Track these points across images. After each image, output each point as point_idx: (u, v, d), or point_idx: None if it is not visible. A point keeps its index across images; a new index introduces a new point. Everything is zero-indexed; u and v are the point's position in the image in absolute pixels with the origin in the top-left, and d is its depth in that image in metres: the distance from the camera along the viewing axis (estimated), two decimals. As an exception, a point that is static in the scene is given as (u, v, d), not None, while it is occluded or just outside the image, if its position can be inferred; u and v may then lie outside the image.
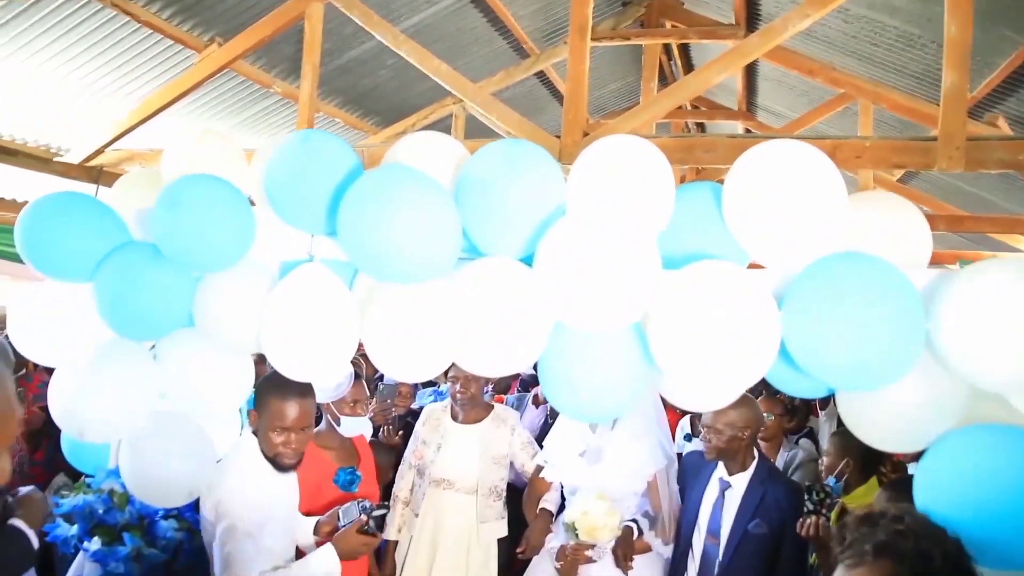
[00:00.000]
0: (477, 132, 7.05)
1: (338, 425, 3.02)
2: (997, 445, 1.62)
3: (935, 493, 1.66)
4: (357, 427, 3.07)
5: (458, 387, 3.43)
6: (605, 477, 3.07)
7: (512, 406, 4.75)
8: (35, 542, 2.20)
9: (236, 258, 2.20)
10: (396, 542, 3.46)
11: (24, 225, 2.30)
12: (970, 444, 1.64)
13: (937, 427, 1.72)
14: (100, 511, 2.46)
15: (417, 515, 3.42)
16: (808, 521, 2.61)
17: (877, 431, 1.78)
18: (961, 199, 7.16)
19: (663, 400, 3.22)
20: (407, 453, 3.59)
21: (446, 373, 3.53)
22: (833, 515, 3.05)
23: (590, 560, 3.00)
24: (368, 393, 3.15)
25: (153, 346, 2.48)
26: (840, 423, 3.43)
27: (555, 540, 3.14)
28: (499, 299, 1.80)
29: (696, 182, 2.01)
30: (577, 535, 2.92)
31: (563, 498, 3.29)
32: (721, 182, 1.89)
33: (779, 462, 3.89)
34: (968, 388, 1.72)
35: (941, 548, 1.41)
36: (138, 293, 2.23)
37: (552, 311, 1.80)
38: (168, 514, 2.54)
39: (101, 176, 5.35)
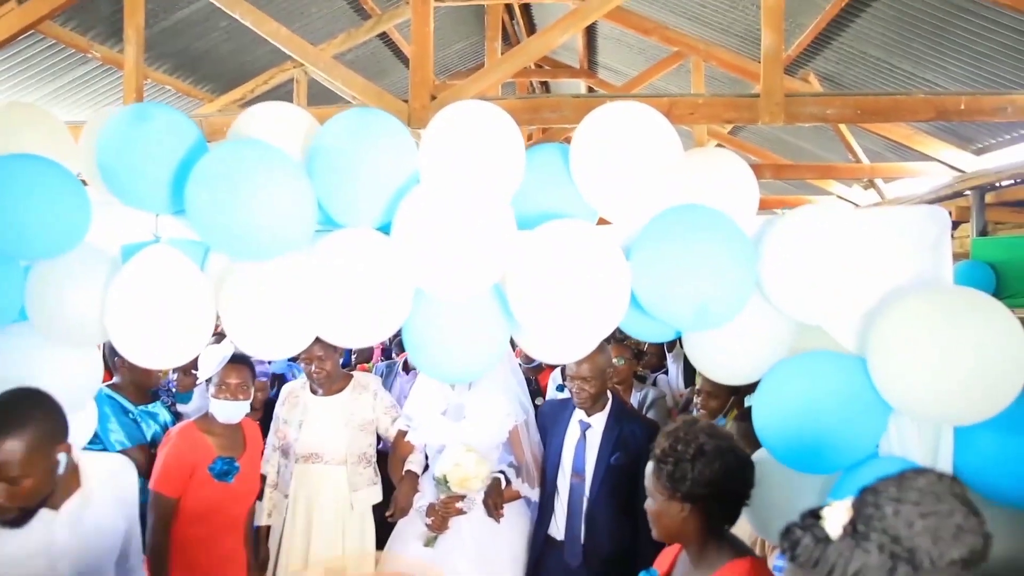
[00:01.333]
0: (321, 97, 6.83)
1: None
2: (815, 369, 1.86)
3: (769, 414, 1.88)
4: (229, 412, 3.01)
5: (313, 367, 3.37)
6: (469, 433, 3.16)
7: (381, 374, 4.76)
8: None
9: (71, 244, 2.05)
10: (268, 527, 3.40)
11: None
12: (795, 370, 1.86)
13: (767, 359, 1.93)
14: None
15: (287, 496, 3.37)
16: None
17: (719, 367, 1.97)
18: (783, 149, 7.82)
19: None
20: (270, 436, 3.50)
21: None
22: None
23: (460, 512, 3.09)
24: (251, 377, 3.06)
25: (-20, 344, 2.27)
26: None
27: (423, 499, 3.20)
28: (359, 269, 1.80)
29: (544, 144, 2.09)
30: (449, 488, 2.99)
31: (426, 459, 3.35)
32: (566, 141, 1.99)
33: (633, 402, 4.16)
34: (793, 323, 1.94)
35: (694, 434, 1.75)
36: (-44, 288, 2.04)
37: (413, 279, 1.82)
38: None
39: None
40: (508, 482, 3.21)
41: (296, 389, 3.52)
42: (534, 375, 5.04)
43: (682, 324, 1.80)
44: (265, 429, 3.68)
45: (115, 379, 3.48)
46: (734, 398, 3.43)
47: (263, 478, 3.35)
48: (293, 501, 3.34)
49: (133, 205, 2.02)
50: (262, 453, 3.29)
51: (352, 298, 1.82)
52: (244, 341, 2.00)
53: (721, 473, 1.70)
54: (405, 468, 3.31)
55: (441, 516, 3.07)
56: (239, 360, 3.04)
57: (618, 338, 4.44)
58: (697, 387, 3.44)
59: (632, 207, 1.92)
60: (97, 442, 3.33)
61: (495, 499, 3.11)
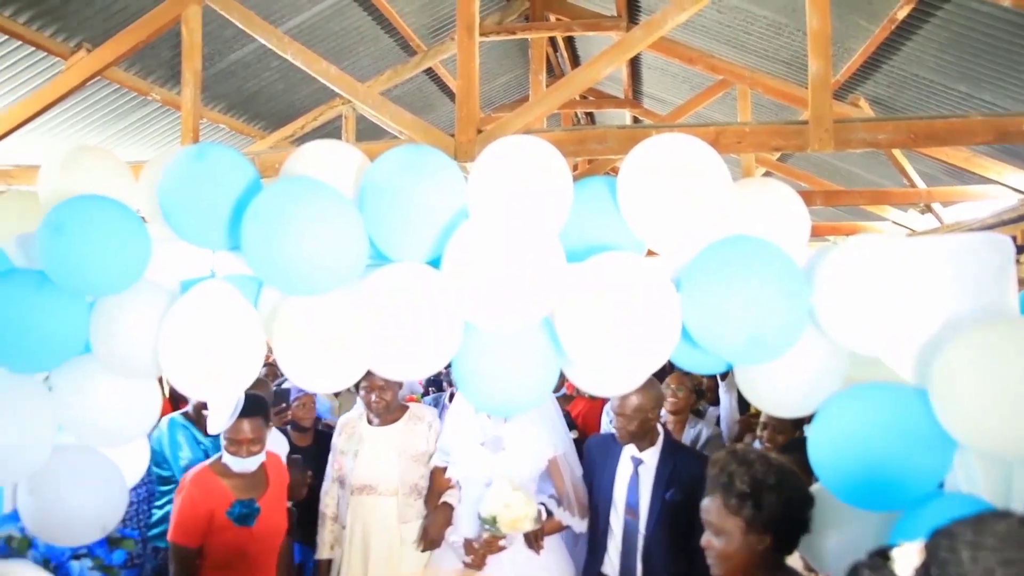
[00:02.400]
0: (369, 133, 6.99)
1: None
2: (874, 402, 1.80)
3: (825, 449, 1.83)
4: (242, 466, 2.96)
5: (374, 396, 3.39)
6: (508, 464, 3.13)
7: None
8: None
9: (131, 279, 2.12)
10: (329, 560, 3.41)
11: None
12: (852, 403, 1.81)
13: (823, 391, 1.88)
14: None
15: (345, 527, 3.38)
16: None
17: (772, 399, 1.92)
18: (834, 174, 7.68)
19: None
20: (328, 468, 3.53)
21: (357, 386, 3.48)
22: None
23: (501, 548, 3.05)
24: (265, 424, 3.02)
25: (47, 377, 2.35)
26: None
27: (455, 534, 3.16)
28: (410, 303, 1.82)
29: (591, 176, 2.09)
30: (498, 529, 2.95)
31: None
32: (612, 172, 1.98)
33: (684, 438, 4.07)
34: (848, 353, 1.89)
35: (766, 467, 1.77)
36: (26, 323, 2.11)
37: (462, 312, 1.83)
38: (77, 554, 2.42)
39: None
40: (549, 513, 3.17)
41: (353, 419, 3.55)
42: (563, 406, 4.95)
43: (734, 356, 1.77)
44: (317, 450, 3.70)
45: (188, 408, 3.57)
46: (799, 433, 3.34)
47: (291, 513, 3.31)
48: (350, 533, 3.33)
49: (191, 241, 2.08)
50: (289, 487, 3.26)
51: (402, 331, 1.84)
52: (296, 374, 2.03)
53: (796, 502, 1.74)
54: (441, 500, 3.29)
55: (482, 556, 3.03)
56: (251, 412, 2.96)
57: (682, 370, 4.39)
58: (763, 420, 3.35)
59: (681, 239, 1.91)
60: (166, 467, 3.41)
61: (536, 532, 3.06)
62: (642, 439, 3.06)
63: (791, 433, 3.28)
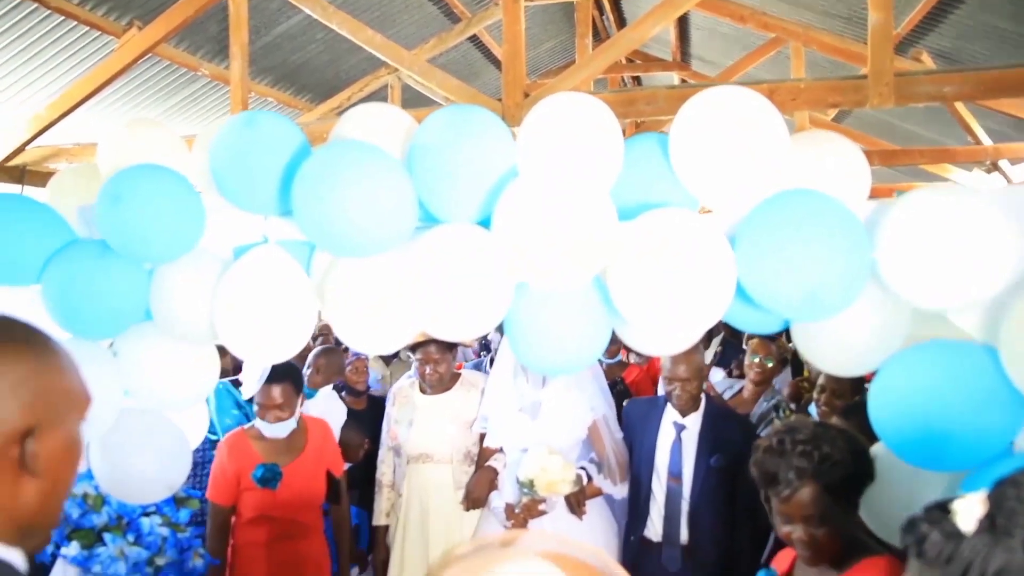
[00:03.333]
0: (415, 101, 6.97)
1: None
2: (940, 359, 1.74)
3: (888, 408, 1.77)
4: (273, 431, 3.01)
5: (428, 369, 3.42)
6: (547, 430, 3.12)
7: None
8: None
9: (188, 247, 2.17)
10: (386, 527, 3.48)
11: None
12: (916, 360, 1.75)
13: (885, 350, 1.82)
14: (75, 515, 2.42)
15: (401, 495, 3.43)
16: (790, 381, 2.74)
17: (832, 358, 1.87)
18: (893, 134, 7.40)
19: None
20: (383, 436, 3.58)
21: (413, 348, 3.50)
22: None
23: (543, 513, 3.05)
24: (280, 400, 3.02)
25: (112, 343, 2.43)
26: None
27: (499, 499, 3.17)
28: (460, 263, 1.82)
29: (642, 134, 2.04)
30: (535, 492, 2.95)
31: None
32: (663, 133, 1.94)
33: (757, 410, 3.97)
34: (911, 310, 1.82)
35: (845, 445, 1.67)
36: (89, 291, 2.18)
37: (513, 272, 1.82)
38: (147, 512, 2.52)
39: (25, 175, 5.16)
40: (589, 478, 3.16)
41: (405, 388, 3.58)
42: (619, 373, 4.91)
43: (791, 313, 1.72)
44: (371, 414, 3.76)
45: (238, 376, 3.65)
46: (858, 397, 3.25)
47: (329, 479, 3.32)
48: (407, 501, 3.38)
49: (243, 208, 2.11)
50: (332, 449, 3.29)
51: (453, 292, 1.83)
52: (349, 337, 2.05)
53: (864, 466, 1.71)
54: (486, 464, 3.30)
55: (523, 519, 3.04)
56: (280, 377, 2.99)
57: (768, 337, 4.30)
58: (820, 384, 3.26)
59: (736, 194, 1.85)
60: (212, 431, 3.51)
61: (577, 496, 3.05)
62: (696, 402, 3.02)
63: (849, 397, 3.19)
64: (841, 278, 1.64)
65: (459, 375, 3.57)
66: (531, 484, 2.92)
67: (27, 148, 5.08)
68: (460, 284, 1.82)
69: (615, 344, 4.97)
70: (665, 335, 1.94)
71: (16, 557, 0.91)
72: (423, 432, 3.39)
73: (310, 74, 6.56)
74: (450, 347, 3.46)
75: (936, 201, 1.65)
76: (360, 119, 2.09)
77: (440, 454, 3.36)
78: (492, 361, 4.68)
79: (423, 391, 3.50)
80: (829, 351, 1.86)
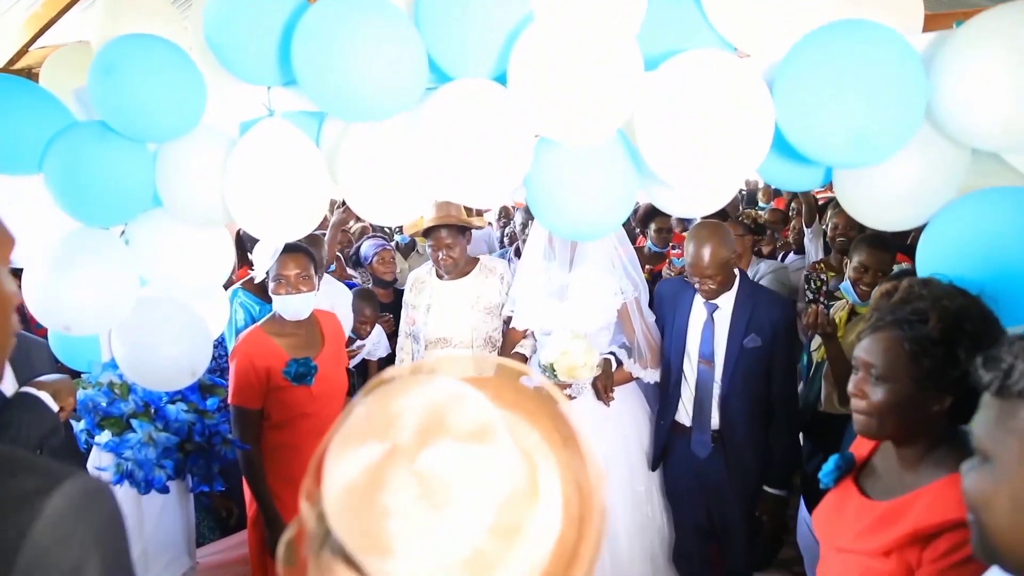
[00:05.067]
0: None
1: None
2: (1005, 206, 1.60)
3: (940, 264, 1.64)
4: (293, 307, 2.79)
5: (441, 254, 3.33)
6: (574, 314, 3.02)
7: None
8: (55, 407, 1.89)
9: (190, 122, 2.06)
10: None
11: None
12: (978, 208, 1.61)
13: (937, 199, 1.68)
14: (104, 404, 2.43)
15: None
16: (810, 310, 2.61)
17: (878, 210, 1.74)
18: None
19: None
20: (401, 323, 3.55)
21: (425, 234, 3.42)
22: (843, 315, 3.09)
23: (569, 398, 2.95)
24: (313, 265, 2.84)
25: (123, 232, 2.37)
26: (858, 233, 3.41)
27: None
28: (476, 120, 1.69)
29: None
30: (556, 376, 2.85)
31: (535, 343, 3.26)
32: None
33: None
34: (967, 156, 1.67)
35: (963, 305, 1.35)
36: (92, 175, 2.10)
37: (533, 125, 1.69)
38: (173, 399, 2.53)
39: (31, 79, 5.02)
40: (619, 363, 3.07)
41: (422, 274, 3.51)
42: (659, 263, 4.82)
43: (838, 159, 1.58)
44: (399, 305, 3.73)
45: (251, 276, 3.58)
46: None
47: (350, 373, 3.29)
48: None
49: (242, 75, 1.98)
50: (347, 344, 3.18)
51: (470, 152, 1.71)
52: (365, 207, 1.96)
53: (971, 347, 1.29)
54: (513, 351, 3.24)
55: None
56: (294, 248, 2.79)
57: (732, 216, 4.22)
58: (859, 263, 3.11)
59: (774, 35, 1.68)
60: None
61: (604, 382, 2.96)
62: (724, 289, 2.88)
63: (888, 267, 3.06)
64: (894, 116, 1.48)
65: (477, 260, 3.48)
66: (551, 369, 2.85)
67: (29, 50, 4.92)
68: (477, 143, 1.70)
69: (666, 231, 4.88)
70: (696, 190, 1.81)
71: None
72: (441, 317, 3.34)
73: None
74: (462, 231, 3.35)
75: (1001, 21, 1.47)
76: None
77: (458, 339, 3.31)
78: (517, 252, 4.61)
79: (440, 277, 3.42)
80: (876, 202, 1.72)
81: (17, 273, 2.38)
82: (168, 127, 2.04)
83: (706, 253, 2.76)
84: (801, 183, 1.87)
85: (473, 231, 3.58)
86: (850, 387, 1.43)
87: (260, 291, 3.43)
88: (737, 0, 1.66)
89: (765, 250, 5.64)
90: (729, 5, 1.68)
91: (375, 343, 3.86)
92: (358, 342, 3.67)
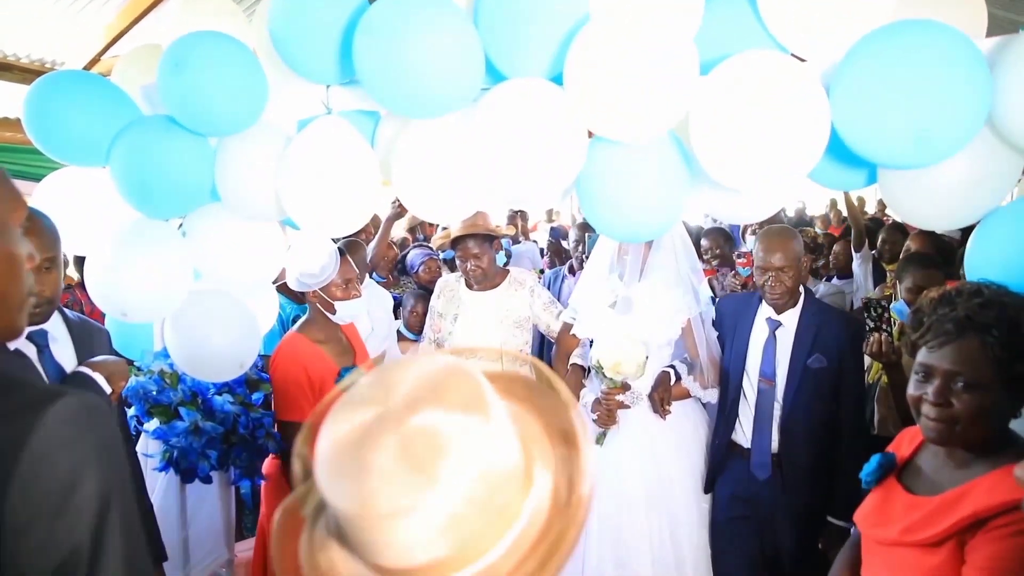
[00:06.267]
0: None
1: (332, 313, 2.72)
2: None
3: (989, 267, 1.60)
4: (352, 310, 2.77)
5: (469, 264, 3.30)
6: (638, 327, 2.93)
7: (548, 281, 4.71)
8: (107, 389, 1.92)
9: (251, 117, 2.12)
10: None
11: (28, 107, 2.22)
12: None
13: (987, 201, 1.65)
14: (154, 392, 2.49)
15: None
16: (872, 338, 2.53)
17: (923, 210, 1.70)
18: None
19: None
20: (426, 329, 3.53)
21: (453, 245, 3.41)
22: (895, 332, 3.00)
23: (623, 405, 2.89)
24: (356, 270, 2.82)
25: (181, 224, 2.45)
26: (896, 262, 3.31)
27: (589, 394, 3.05)
28: (531, 119, 1.71)
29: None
30: (603, 373, 2.81)
31: None
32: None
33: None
34: (1020, 160, 1.63)
35: None
36: (154, 165, 2.17)
37: (587, 124, 1.70)
38: (220, 390, 2.58)
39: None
40: (678, 377, 3.00)
41: (451, 282, 3.49)
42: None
43: (897, 159, 1.55)
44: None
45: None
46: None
47: None
48: None
49: (303, 72, 2.04)
50: (366, 353, 3.10)
51: (524, 150, 1.73)
52: (418, 204, 1.99)
53: None
54: (571, 362, 3.21)
55: (605, 409, 2.89)
56: (349, 249, 2.81)
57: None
58: (906, 284, 3.03)
59: (831, 40, 1.67)
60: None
61: (661, 394, 2.88)
62: (792, 296, 2.78)
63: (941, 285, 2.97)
64: (956, 115, 1.46)
65: (507, 272, 3.44)
66: (599, 366, 2.82)
67: (102, 58, 5.13)
68: (531, 141, 1.72)
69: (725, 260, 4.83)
70: (749, 192, 1.79)
71: None
72: (468, 328, 3.32)
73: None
74: (490, 240, 3.33)
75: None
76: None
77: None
78: (571, 269, 4.59)
79: (470, 287, 3.40)
80: (923, 203, 1.68)
81: (80, 260, 2.48)
82: (230, 121, 2.10)
83: (778, 245, 2.69)
84: (846, 183, 1.84)
85: (517, 247, 3.57)
86: (929, 396, 1.38)
87: (291, 292, 3.47)
88: (793, 4, 1.66)
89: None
90: (785, 9, 1.67)
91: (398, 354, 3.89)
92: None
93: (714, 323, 3.08)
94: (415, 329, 3.86)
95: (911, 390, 1.44)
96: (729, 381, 2.91)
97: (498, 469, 0.70)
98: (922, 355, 1.42)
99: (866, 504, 1.56)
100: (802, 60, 1.73)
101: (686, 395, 3.02)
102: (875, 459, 1.56)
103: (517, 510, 0.73)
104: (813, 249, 4.27)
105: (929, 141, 1.46)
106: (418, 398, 0.70)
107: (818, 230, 8.49)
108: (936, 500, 1.37)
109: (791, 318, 2.78)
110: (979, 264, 1.65)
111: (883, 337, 2.50)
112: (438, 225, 5.14)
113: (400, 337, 3.92)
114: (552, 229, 5.76)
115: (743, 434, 2.87)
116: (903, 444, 1.60)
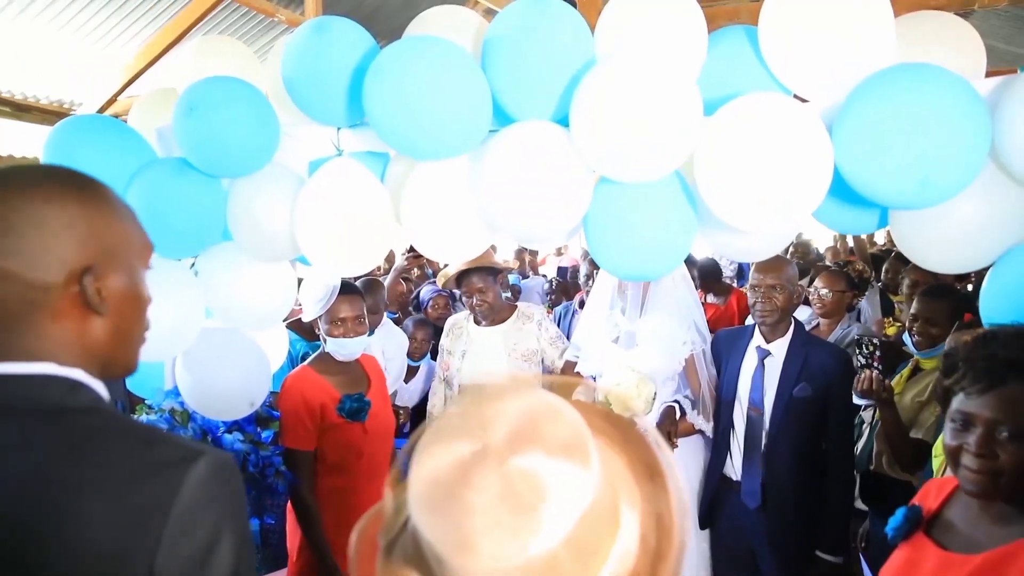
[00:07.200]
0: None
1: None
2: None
3: (1005, 311, 1.60)
4: (348, 349, 2.77)
5: (475, 300, 3.32)
6: (641, 362, 2.96)
7: (558, 316, 4.73)
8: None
9: (263, 159, 2.16)
10: (413, 448, 3.42)
11: (48, 150, 2.27)
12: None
13: (1000, 242, 1.65)
14: (164, 429, 2.49)
15: None
16: (863, 375, 2.52)
17: (936, 253, 1.71)
18: (997, 60, 6.83)
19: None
20: (436, 368, 3.54)
21: (457, 282, 3.43)
22: (905, 372, 2.98)
23: None
24: (356, 311, 2.80)
25: (193, 264, 2.48)
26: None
27: None
28: (538, 161, 1.74)
29: (727, 27, 1.90)
30: (611, 408, 2.83)
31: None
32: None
33: (831, 338, 3.77)
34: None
35: None
36: (168, 207, 2.21)
37: (592, 164, 1.73)
38: (230, 428, 2.58)
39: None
40: (683, 413, 2.99)
41: (460, 320, 3.52)
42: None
43: (900, 200, 1.56)
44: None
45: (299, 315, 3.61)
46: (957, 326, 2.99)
47: (398, 414, 3.30)
48: None
49: (315, 116, 2.08)
50: (384, 382, 3.11)
51: (530, 192, 1.76)
52: (427, 245, 2.01)
53: None
54: (573, 398, 3.20)
55: None
56: (349, 291, 2.80)
57: (835, 266, 4.07)
58: (912, 313, 3.03)
59: (833, 81, 1.70)
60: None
61: (668, 427, 2.90)
62: (782, 320, 2.84)
63: (945, 325, 2.96)
64: (956, 155, 1.47)
65: (515, 307, 3.47)
66: (606, 401, 2.82)
67: (119, 99, 5.24)
68: (538, 183, 1.75)
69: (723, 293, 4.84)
70: (753, 232, 1.81)
71: (100, 387, 0.97)
72: (476, 364, 3.32)
73: (385, 19, 6.52)
74: (494, 274, 3.36)
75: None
76: (432, 20, 2.02)
77: None
78: (581, 303, 4.62)
79: (478, 323, 3.42)
80: (936, 246, 1.69)
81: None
82: (242, 163, 2.14)
83: (772, 267, 2.77)
84: (858, 226, 1.86)
85: (526, 282, 3.60)
86: (971, 447, 1.31)
87: (304, 330, 3.50)
88: (795, 46, 1.69)
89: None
90: (787, 51, 1.71)
91: (411, 391, 3.89)
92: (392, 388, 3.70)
93: (713, 357, 3.10)
94: (415, 356, 3.88)
95: (948, 439, 1.35)
96: (721, 412, 2.96)
97: (592, 512, 0.69)
98: (959, 402, 1.34)
99: (893, 561, 1.48)
100: (804, 101, 1.77)
101: (691, 430, 3.03)
102: (901, 512, 1.48)
103: (606, 554, 0.71)
104: (857, 285, 4.19)
105: (930, 181, 1.47)
106: (518, 437, 0.70)
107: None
108: (978, 559, 1.29)
109: (780, 348, 2.84)
110: (996, 308, 1.64)
111: (874, 375, 2.49)
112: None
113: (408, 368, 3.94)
114: (559, 268, 5.80)
115: (732, 467, 2.91)
116: (929, 496, 1.51)
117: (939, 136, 1.45)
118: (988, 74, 1.78)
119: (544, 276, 7.27)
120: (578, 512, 0.68)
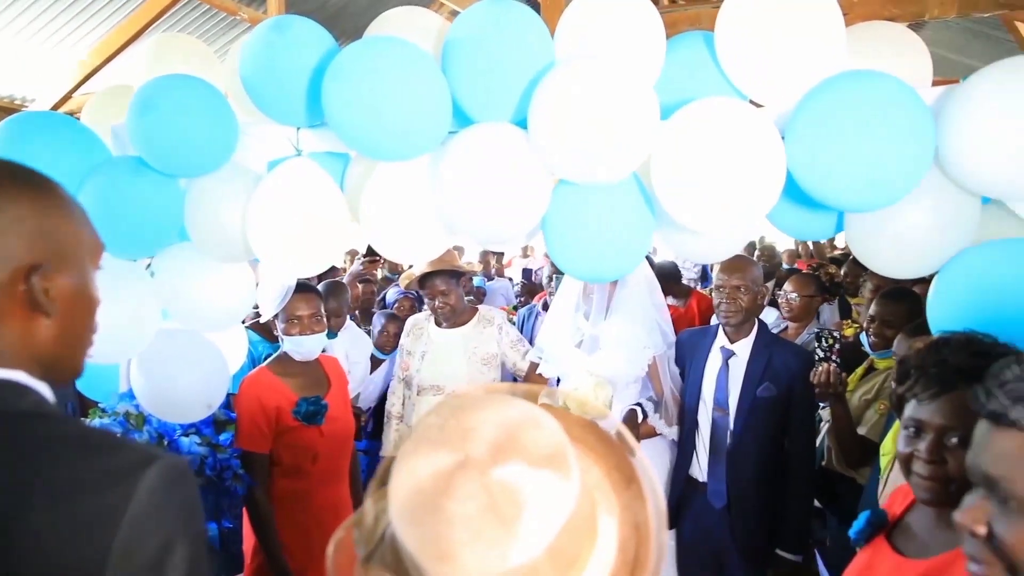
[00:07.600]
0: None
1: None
2: (1010, 258, 1.61)
3: (952, 314, 1.65)
4: (306, 348, 2.74)
5: (437, 302, 3.33)
6: (603, 365, 2.98)
7: (522, 318, 4.74)
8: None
9: (221, 158, 2.14)
10: (393, 458, 3.41)
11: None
12: (987, 259, 1.63)
13: (949, 247, 1.70)
14: (118, 433, 2.45)
15: (410, 427, 3.36)
16: (820, 368, 2.57)
17: (888, 257, 1.76)
18: (951, 71, 7.03)
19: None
20: (395, 368, 3.53)
21: (420, 284, 3.44)
22: (859, 371, 3.05)
23: None
24: (311, 310, 2.75)
25: (149, 264, 2.44)
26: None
27: None
28: (496, 162, 1.75)
29: (685, 33, 1.93)
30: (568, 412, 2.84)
31: None
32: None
33: (799, 341, 3.82)
34: (978, 206, 1.70)
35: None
36: (123, 206, 2.17)
37: (550, 165, 1.75)
38: (187, 431, 2.54)
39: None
40: (644, 416, 3.02)
41: (420, 321, 3.51)
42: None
43: (850, 202, 1.60)
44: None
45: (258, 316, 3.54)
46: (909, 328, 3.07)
47: (358, 417, 3.28)
48: None
49: (274, 116, 2.06)
50: (346, 385, 3.11)
51: (489, 193, 1.77)
52: (385, 246, 2.01)
53: None
54: (542, 402, 3.21)
55: None
56: (305, 289, 2.78)
57: (807, 270, 4.12)
58: (870, 314, 3.10)
59: (786, 86, 1.74)
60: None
61: (630, 431, 2.95)
62: (747, 320, 2.87)
63: (902, 326, 3.03)
64: (904, 158, 1.52)
65: (476, 310, 3.47)
66: (565, 406, 2.82)
67: (74, 96, 5.13)
68: (497, 184, 1.76)
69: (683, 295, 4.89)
70: (711, 232, 1.83)
71: (44, 389, 0.95)
72: (435, 364, 3.32)
73: (349, 18, 6.48)
74: (456, 277, 3.37)
75: (1008, 72, 1.51)
76: (393, 20, 2.02)
77: (452, 387, 3.26)
78: (545, 306, 4.63)
79: (438, 324, 3.42)
80: (888, 250, 1.74)
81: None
82: (199, 163, 2.11)
83: (737, 267, 2.79)
84: (814, 232, 1.90)
85: (491, 284, 3.61)
86: (921, 453, 1.31)
87: (264, 330, 3.47)
88: (750, 53, 1.72)
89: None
90: (743, 57, 1.74)
91: (368, 392, 3.88)
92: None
93: (676, 359, 3.13)
94: (386, 349, 3.88)
95: (901, 446, 1.35)
96: (685, 414, 2.98)
97: (572, 521, 0.70)
98: (911, 409, 1.35)
99: (853, 564, 1.50)
100: (759, 106, 1.81)
101: (653, 433, 3.06)
102: (864, 516, 1.49)
103: (585, 563, 0.72)
104: (828, 289, 4.21)
105: (878, 182, 1.52)
106: (500, 448, 0.69)
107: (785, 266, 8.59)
108: (924, 565, 1.30)
109: (744, 348, 2.87)
110: (942, 315, 1.69)
111: (831, 368, 2.54)
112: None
113: (373, 359, 3.95)
114: (524, 270, 5.82)
115: (698, 467, 2.94)
116: (896, 501, 1.52)
117: (884, 139, 1.50)
118: (938, 83, 1.84)
119: (510, 279, 7.30)
120: (559, 523, 0.68)
